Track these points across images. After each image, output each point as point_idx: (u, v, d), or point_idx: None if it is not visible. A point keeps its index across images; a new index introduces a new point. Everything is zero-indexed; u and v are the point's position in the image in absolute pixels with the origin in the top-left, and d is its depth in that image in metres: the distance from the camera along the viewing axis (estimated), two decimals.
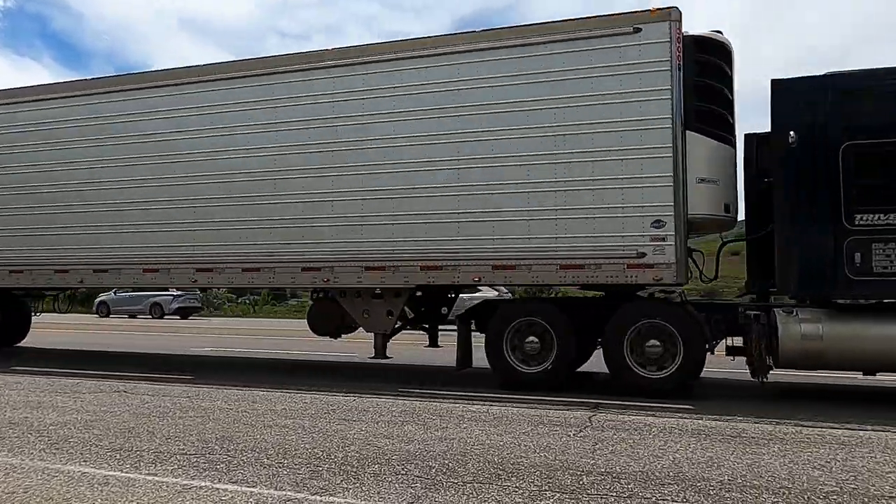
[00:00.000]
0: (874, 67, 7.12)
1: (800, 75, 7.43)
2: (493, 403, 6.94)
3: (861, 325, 7.05)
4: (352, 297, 8.98)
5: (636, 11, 7.74)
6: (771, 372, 7.51)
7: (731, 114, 8.00)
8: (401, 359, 10.21)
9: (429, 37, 8.73)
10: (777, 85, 7.33)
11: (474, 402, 7.07)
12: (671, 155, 7.36)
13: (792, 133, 7.09)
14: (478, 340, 8.54)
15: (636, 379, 7.54)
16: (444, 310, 9.82)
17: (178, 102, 9.54)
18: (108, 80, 10.28)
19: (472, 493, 3.85)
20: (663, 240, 7.36)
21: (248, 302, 34.99)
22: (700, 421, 6.13)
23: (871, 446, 5.17)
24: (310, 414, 6.30)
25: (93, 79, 10.43)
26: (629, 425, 5.91)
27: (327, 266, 8.74)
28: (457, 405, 6.83)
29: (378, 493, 3.88)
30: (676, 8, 7.51)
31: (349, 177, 8.65)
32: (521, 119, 7.92)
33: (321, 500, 3.75)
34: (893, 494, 3.95)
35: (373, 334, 9.01)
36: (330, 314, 9.45)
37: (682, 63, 7.45)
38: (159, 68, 10.50)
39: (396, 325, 9.05)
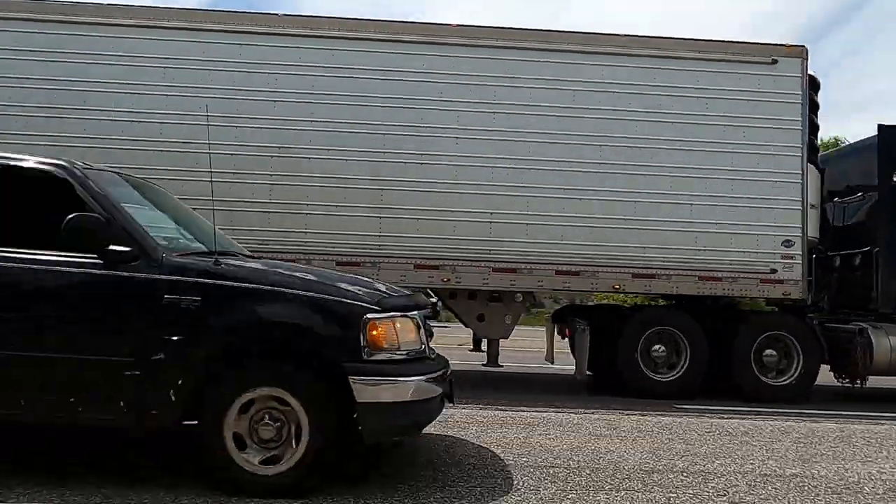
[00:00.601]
0: None
1: None
2: None
3: None
4: (463, 300, 8.47)
5: (772, 44, 8.48)
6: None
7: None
8: None
9: (570, 32, 8.49)
10: (883, 131, 8.64)
11: None
12: (801, 181, 8.30)
13: None
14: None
15: (760, 386, 8.34)
16: None
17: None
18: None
19: None
20: (792, 258, 8.23)
21: None
22: None
23: (549, 425, 6.05)
24: None
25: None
26: None
27: (448, 265, 8.11)
28: None
29: None
30: (805, 47, 8.38)
31: (474, 168, 8.19)
32: (664, 130, 8.27)
33: None
34: (554, 464, 4.71)
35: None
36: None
37: (807, 99, 8.37)
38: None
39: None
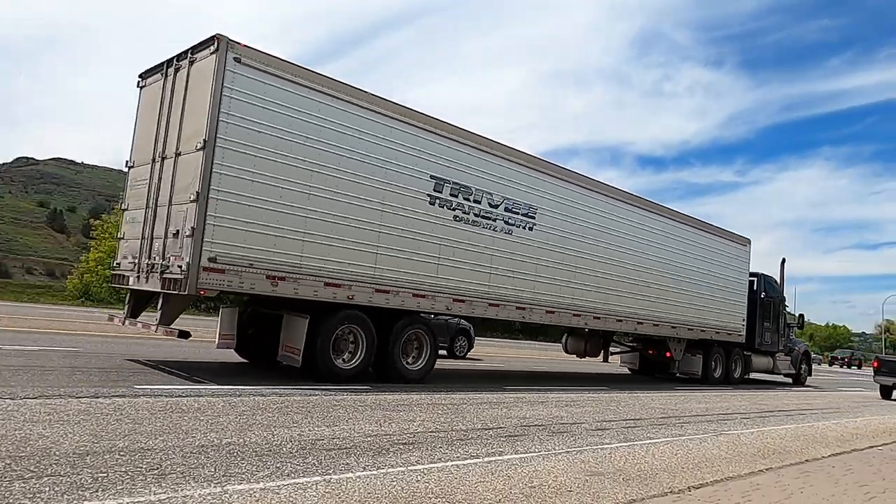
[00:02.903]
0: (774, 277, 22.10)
1: (765, 272, 21.52)
2: None
3: None
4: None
5: (744, 236, 20.03)
6: None
7: None
8: None
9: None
10: (761, 275, 21.00)
11: None
12: (746, 296, 20.06)
13: (763, 293, 20.82)
14: None
15: None
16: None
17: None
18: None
19: None
20: (743, 325, 19.72)
21: None
22: None
23: None
24: None
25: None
26: None
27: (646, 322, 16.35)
28: None
29: None
30: (750, 239, 20.35)
31: (650, 299, 16.29)
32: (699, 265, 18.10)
33: None
34: None
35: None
36: (596, 343, 17.40)
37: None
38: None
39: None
